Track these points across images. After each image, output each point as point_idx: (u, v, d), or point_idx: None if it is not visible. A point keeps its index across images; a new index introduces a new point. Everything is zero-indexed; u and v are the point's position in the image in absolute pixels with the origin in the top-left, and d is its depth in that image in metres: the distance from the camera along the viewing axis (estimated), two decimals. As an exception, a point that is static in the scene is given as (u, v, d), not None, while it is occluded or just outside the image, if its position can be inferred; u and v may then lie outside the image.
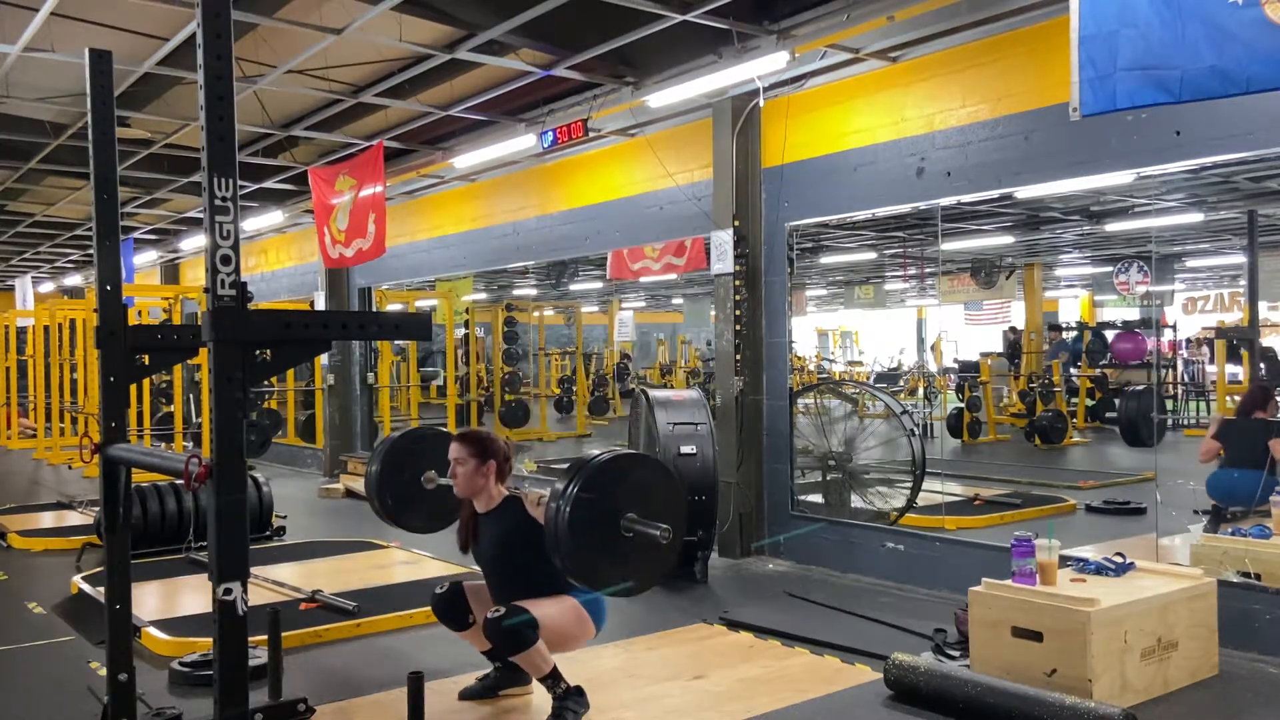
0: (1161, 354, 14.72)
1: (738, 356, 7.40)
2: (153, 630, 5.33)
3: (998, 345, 17.10)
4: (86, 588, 6.26)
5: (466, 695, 4.42)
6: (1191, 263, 16.11)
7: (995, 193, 6.34)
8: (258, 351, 2.75)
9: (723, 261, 7.45)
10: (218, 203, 2.66)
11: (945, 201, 6.45)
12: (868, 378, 18.81)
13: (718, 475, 6.72)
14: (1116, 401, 13.54)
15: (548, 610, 4.04)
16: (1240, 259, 13.38)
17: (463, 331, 15.94)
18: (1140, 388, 13.02)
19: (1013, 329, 16.65)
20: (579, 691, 4.14)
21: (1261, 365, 11.24)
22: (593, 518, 3.55)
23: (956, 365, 15.73)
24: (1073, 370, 14.54)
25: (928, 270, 15.20)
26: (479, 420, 14.89)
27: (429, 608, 5.69)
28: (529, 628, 3.93)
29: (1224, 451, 6.96)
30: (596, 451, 3.81)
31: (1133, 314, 16.30)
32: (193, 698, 4.45)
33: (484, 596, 4.35)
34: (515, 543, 4.16)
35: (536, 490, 4.16)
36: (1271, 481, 6.53)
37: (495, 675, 4.46)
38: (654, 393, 7.03)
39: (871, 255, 15.07)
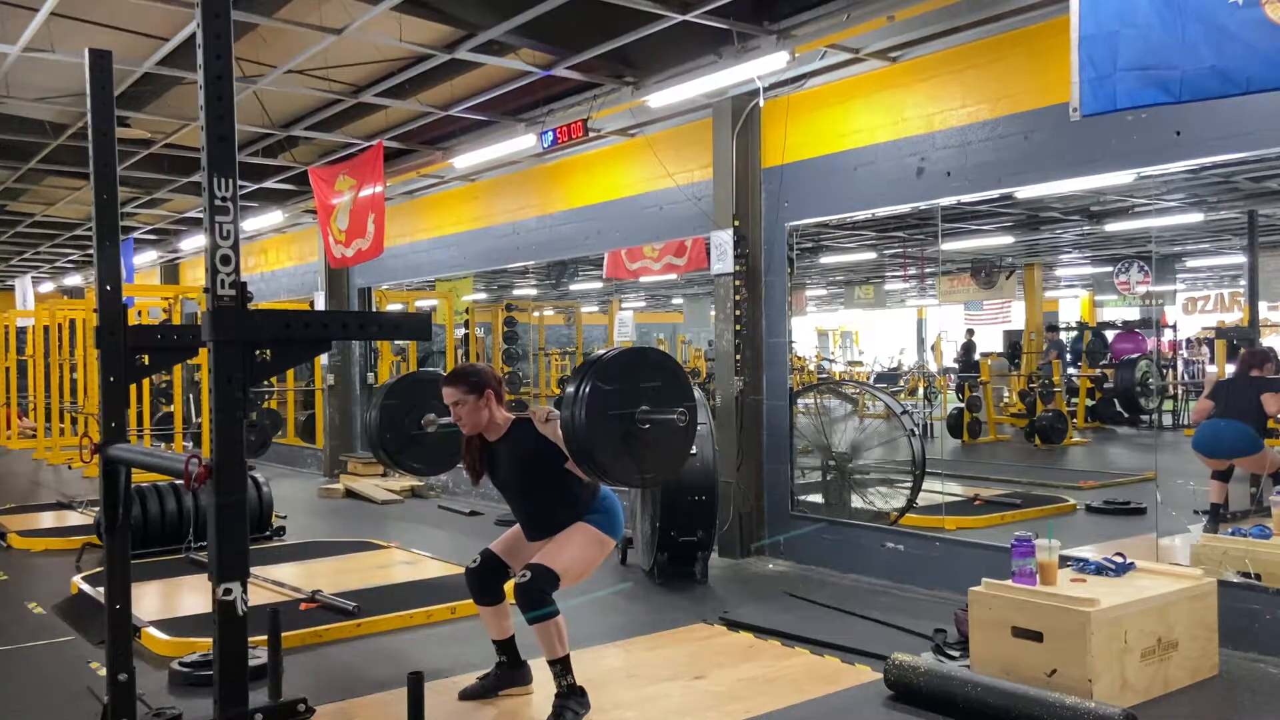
0: (1162, 354, 14.72)
1: (738, 356, 7.40)
2: (153, 630, 5.33)
3: (998, 345, 17.14)
4: (86, 588, 6.26)
5: (466, 695, 4.42)
6: (1191, 263, 16.10)
7: (995, 193, 6.34)
8: (258, 351, 2.75)
9: (723, 261, 7.46)
10: (218, 203, 2.65)
11: (945, 201, 6.45)
12: (868, 378, 18.80)
13: (718, 475, 6.72)
14: (1115, 375, 13.68)
15: (569, 556, 4.08)
16: (1240, 259, 13.38)
17: (463, 331, 15.93)
18: (1134, 356, 13.03)
19: (969, 331, 16.73)
20: (581, 692, 4.14)
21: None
22: (608, 414, 3.58)
23: (957, 365, 15.74)
24: (1072, 370, 14.55)
25: (928, 270, 15.20)
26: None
27: (429, 607, 5.76)
28: (550, 594, 4.00)
29: (1214, 406, 6.94)
30: (601, 351, 3.83)
31: (1133, 314, 16.30)
32: (193, 698, 4.45)
33: (516, 550, 4.35)
34: (534, 463, 4.17)
35: (544, 408, 4.15)
36: (1253, 433, 6.53)
37: (496, 674, 4.47)
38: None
39: (871, 255, 15.07)
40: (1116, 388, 13.48)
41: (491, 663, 4.52)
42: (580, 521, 4.18)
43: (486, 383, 4.21)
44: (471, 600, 4.48)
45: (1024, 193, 7.04)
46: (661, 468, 3.84)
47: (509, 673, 4.47)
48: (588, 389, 3.58)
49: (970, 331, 16.86)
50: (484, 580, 4.36)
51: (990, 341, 17.31)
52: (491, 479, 4.37)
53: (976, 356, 15.61)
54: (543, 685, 4.40)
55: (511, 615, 4.45)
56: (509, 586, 4.42)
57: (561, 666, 4.09)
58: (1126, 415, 13.76)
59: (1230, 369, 11.73)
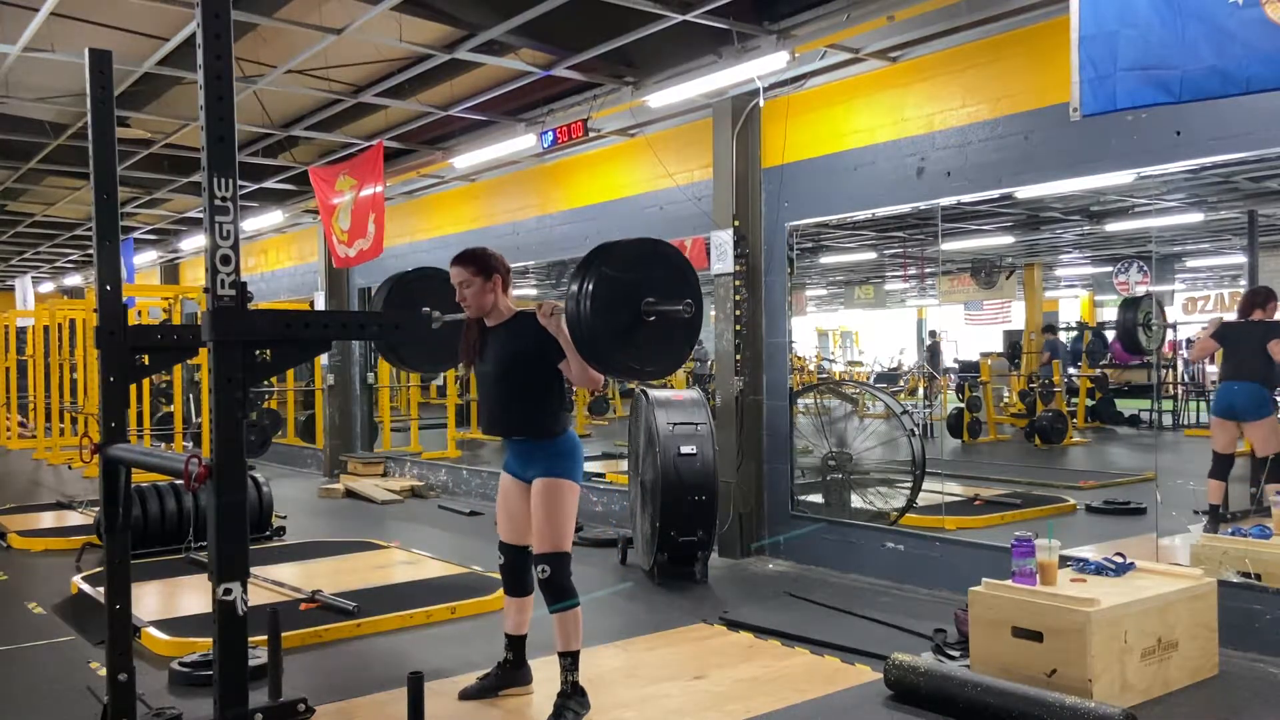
0: (1161, 354, 14.72)
1: (738, 356, 7.40)
2: (153, 630, 5.33)
3: (998, 345, 17.15)
4: (86, 588, 6.26)
5: (466, 695, 4.42)
6: (1191, 263, 16.10)
7: (995, 193, 6.33)
8: (258, 351, 2.75)
9: (723, 261, 7.45)
10: (218, 203, 2.65)
11: (945, 201, 6.45)
12: (868, 378, 18.80)
13: (718, 475, 6.72)
14: (1116, 314, 13.69)
15: (563, 527, 4.11)
16: (1240, 259, 13.37)
17: (463, 331, 15.92)
18: (1139, 295, 12.99)
19: (932, 333, 16.73)
20: (583, 691, 4.15)
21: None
22: (613, 303, 3.56)
23: (956, 365, 15.74)
24: (1072, 370, 14.55)
25: (928, 270, 15.20)
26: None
27: (429, 607, 5.76)
28: (571, 579, 4.09)
29: (1223, 356, 6.84)
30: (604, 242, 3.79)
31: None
32: (193, 698, 4.45)
33: (515, 522, 4.32)
34: (526, 355, 4.12)
35: (550, 301, 4.08)
36: (1266, 395, 6.47)
37: (497, 674, 4.47)
38: (654, 393, 7.03)
39: (871, 255, 15.07)
40: (1120, 328, 13.47)
41: (492, 663, 4.52)
42: (547, 479, 4.12)
43: (495, 267, 4.18)
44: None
45: (1024, 193, 7.03)
46: (663, 362, 3.82)
47: (511, 672, 4.46)
48: (595, 277, 3.54)
49: (933, 333, 16.85)
50: (516, 572, 4.38)
51: (990, 341, 17.32)
52: (477, 371, 4.30)
53: (950, 361, 15.63)
54: (543, 685, 4.40)
55: (533, 611, 4.44)
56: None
57: (571, 661, 4.10)
58: (1131, 352, 13.78)
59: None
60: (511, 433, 4.23)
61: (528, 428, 4.18)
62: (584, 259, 3.65)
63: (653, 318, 3.62)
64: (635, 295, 3.62)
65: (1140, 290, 14.34)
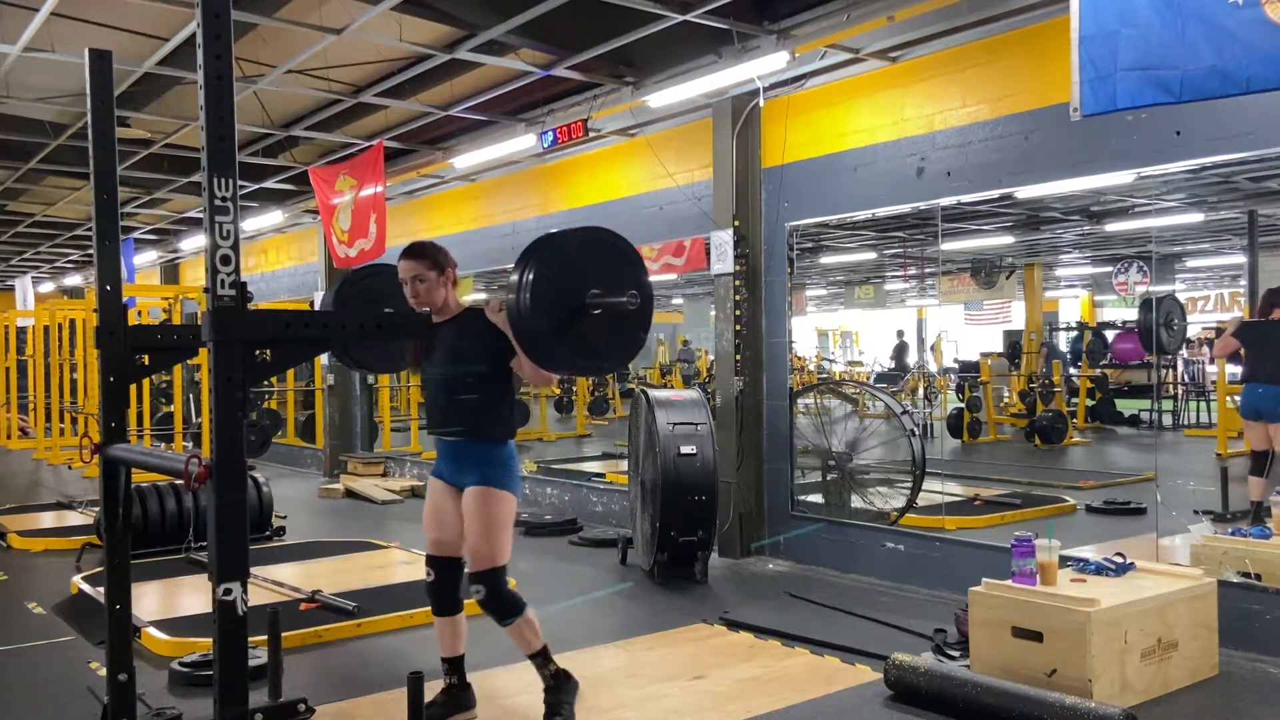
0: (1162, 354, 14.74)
1: (738, 356, 7.40)
2: (153, 630, 5.33)
3: (998, 345, 17.17)
4: (86, 588, 6.26)
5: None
6: (1191, 263, 16.10)
7: (995, 193, 6.34)
8: (258, 351, 2.74)
9: (723, 261, 7.46)
10: (218, 203, 2.65)
11: (945, 201, 6.45)
12: (868, 378, 18.79)
13: (718, 475, 6.71)
14: (1138, 314, 13.83)
15: (498, 539, 3.92)
16: (1240, 259, 13.38)
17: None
18: (1161, 297, 13.04)
19: (899, 332, 16.67)
20: (566, 675, 4.05)
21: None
22: (556, 297, 3.40)
23: (956, 365, 15.74)
24: (1072, 370, 14.56)
25: (928, 270, 15.20)
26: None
27: (429, 607, 5.74)
28: (509, 590, 3.95)
29: (1245, 356, 6.80)
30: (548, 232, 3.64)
31: (1133, 314, 16.31)
32: (193, 698, 4.45)
33: (443, 530, 4.11)
34: (474, 350, 3.97)
35: (499, 297, 3.89)
36: None
37: (443, 701, 4.19)
38: (654, 393, 7.03)
39: (871, 255, 15.07)
40: (1140, 327, 13.54)
41: (492, 662, 4.50)
42: (484, 487, 3.94)
43: (446, 261, 4.06)
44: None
45: (1024, 193, 7.04)
46: (614, 355, 3.66)
47: (459, 696, 4.23)
48: (535, 269, 3.37)
49: (901, 333, 16.80)
50: (446, 590, 4.16)
51: (990, 341, 17.33)
52: (425, 371, 4.13)
53: (910, 360, 15.62)
54: (538, 685, 4.39)
55: (466, 628, 4.27)
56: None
57: (542, 658, 4.01)
58: (1148, 355, 13.83)
59: (1233, 369, 11.75)
60: (456, 432, 4.04)
61: (473, 428, 4.00)
62: (525, 249, 3.48)
63: (598, 310, 3.46)
64: (579, 287, 3.44)
65: (1140, 290, 14.37)
